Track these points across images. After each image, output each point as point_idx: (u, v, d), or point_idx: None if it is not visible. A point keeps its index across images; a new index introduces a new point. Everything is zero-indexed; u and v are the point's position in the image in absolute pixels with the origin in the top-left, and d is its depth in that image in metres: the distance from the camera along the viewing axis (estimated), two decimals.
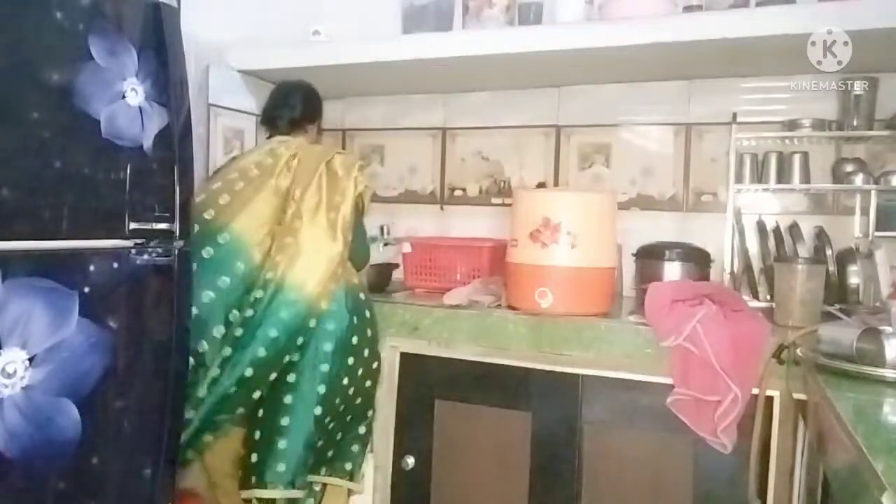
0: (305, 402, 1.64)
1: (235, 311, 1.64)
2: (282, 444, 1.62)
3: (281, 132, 1.91)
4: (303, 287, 1.64)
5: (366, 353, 1.75)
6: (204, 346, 1.61)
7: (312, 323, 1.65)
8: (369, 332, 1.77)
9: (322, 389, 1.65)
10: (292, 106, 1.93)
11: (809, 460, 1.42)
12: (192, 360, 1.57)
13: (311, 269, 1.66)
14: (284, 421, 1.63)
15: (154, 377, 1.46)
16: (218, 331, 1.63)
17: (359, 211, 1.81)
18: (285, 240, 1.67)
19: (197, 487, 1.67)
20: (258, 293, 1.62)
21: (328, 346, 1.67)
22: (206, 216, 1.67)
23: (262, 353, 1.59)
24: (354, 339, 1.71)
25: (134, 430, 1.42)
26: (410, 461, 1.91)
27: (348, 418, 1.77)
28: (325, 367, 1.66)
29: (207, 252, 1.64)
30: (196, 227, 1.56)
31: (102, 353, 1.34)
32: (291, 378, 1.65)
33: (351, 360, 1.71)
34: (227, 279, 1.64)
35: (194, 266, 1.53)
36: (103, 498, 1.38)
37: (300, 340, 1.64)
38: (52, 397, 1.25)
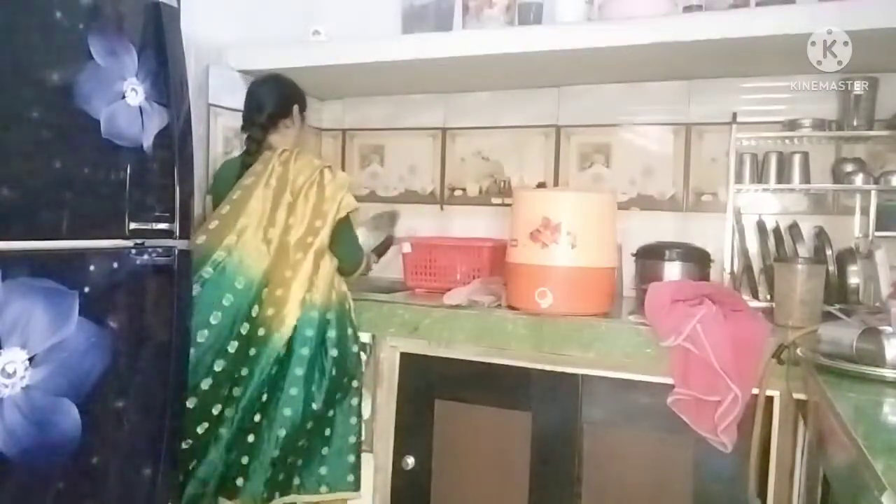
0: (272, 422, 1.65)
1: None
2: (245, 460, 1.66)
3: (257, 139, 1.83)
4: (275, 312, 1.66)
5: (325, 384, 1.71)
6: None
7: (271, 352, 1.65)
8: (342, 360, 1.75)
9: (288, 412, 1.65)
10: (260, 108, 1.85)
11: (809, 460, 1.42)
12: None
13: (285, 296, 1.67)
14: (250, 438, 1.65)
15: (154, 377, 1.45)
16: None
17: (344, 222, 1.78)
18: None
19: None
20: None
21: (299, 371, 1.67)
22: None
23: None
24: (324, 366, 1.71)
25: (134, 430, 1.42)
26: (410, 461, 1.90)
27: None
28: (293, 391, 1.66)
29: None
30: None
31: (102, 353, 1.34)
32: (264, 398, 1.66)
33: (314, 388, 1.69)
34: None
35: None
36: (103, 498, 1.38)
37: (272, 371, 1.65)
38: (52, 397, 1.25)
